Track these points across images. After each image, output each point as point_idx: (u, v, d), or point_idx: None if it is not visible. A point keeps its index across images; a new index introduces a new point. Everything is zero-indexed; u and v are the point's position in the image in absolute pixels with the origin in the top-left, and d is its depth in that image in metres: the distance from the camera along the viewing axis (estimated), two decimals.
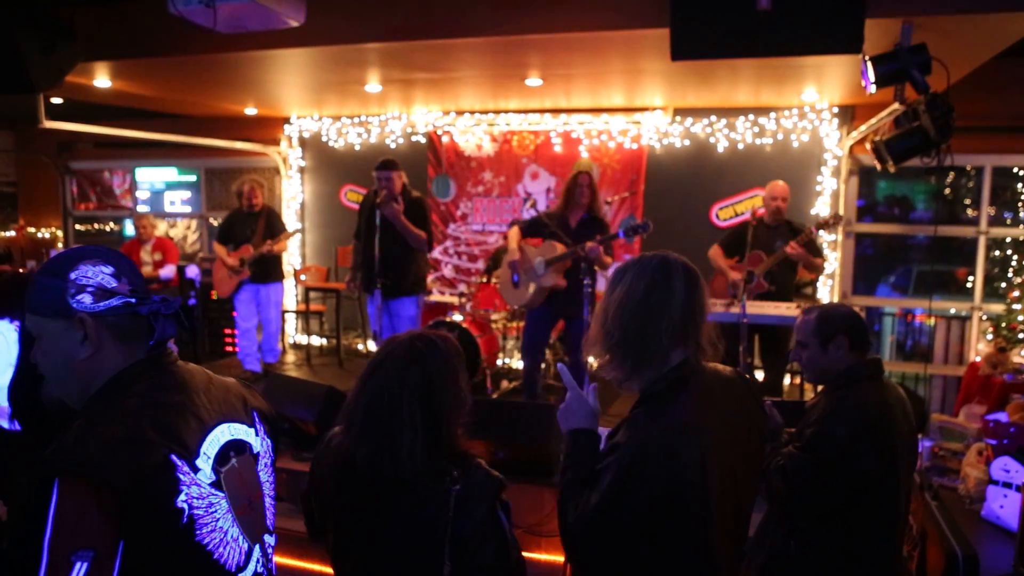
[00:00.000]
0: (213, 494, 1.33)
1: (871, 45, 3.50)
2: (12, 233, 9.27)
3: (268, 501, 1.53)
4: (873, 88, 3.76)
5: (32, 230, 9.40)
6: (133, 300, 1.35)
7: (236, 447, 1.44)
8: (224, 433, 1.41)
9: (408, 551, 1.72)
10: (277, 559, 1.55)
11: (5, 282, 2.21)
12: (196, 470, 1.31)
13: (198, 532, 1.29)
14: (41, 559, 1.15)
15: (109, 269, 1.36)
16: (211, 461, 1.35)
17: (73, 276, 1.32)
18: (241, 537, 1.39)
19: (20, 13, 4.11)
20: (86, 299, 1.31)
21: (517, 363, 6.54)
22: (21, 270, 4.78)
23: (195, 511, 1.29)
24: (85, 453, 1.21)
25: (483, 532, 1.71)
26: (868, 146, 4.28)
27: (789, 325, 5.26)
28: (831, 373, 2.46)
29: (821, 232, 5.48)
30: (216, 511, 1.33)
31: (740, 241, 5.36)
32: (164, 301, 1.39)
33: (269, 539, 1.52)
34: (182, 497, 1.27)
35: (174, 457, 1.28)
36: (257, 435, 1.52)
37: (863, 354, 2.43)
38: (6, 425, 2.01)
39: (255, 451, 1.50)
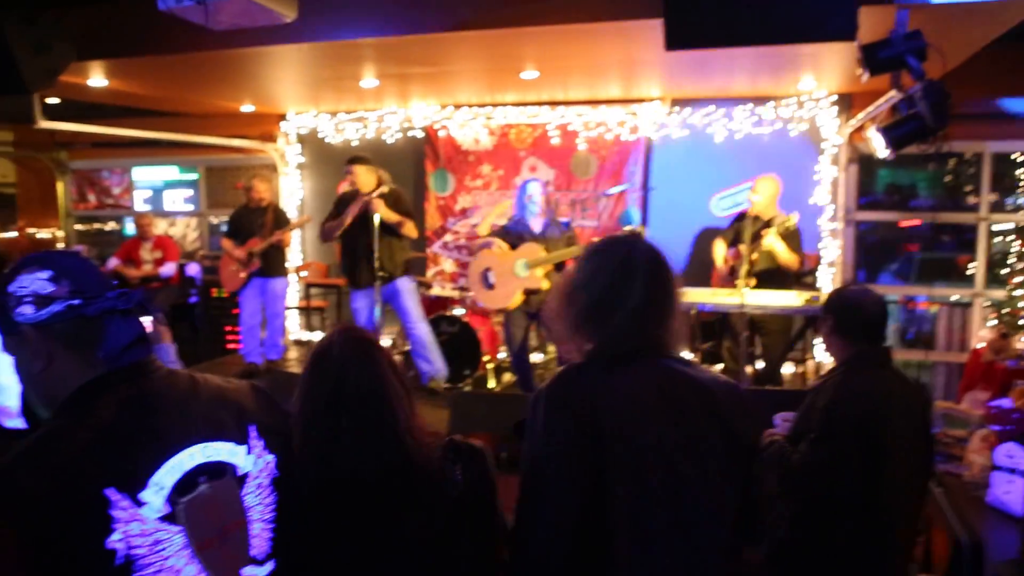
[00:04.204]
0: (162, 529, 1.21)
1: (866, 32, 3.47)
2: (14, 234, 9.26)
3: (259, 527, 1.38)
4: (867, 76, 3.73)
5: (33, 231, 9.39)
6: (77, 302, 1.25)
7: (211, 470, 1.30)
8: (195, 456, 1.29)
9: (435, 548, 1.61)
10: None
11: None
12: (140, 504, 1.20)
13: (137, 574, 1.18)
14: None
15: (45, 274, 1.27)
16: (166, 491, 1.23)
17: (11, 289, 1.26)
18: (203, 575, 1.27)
19: (11, 13, 4.10)
20: (27, 310, 1.25)
21: None
22: None
23: (134, 551, 1.17)
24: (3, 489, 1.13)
25: (495, 523, 1.67)
26: (866, 134, 4.26)
27: (788, 315, 5.30)
28: (832, 353, 2.40)
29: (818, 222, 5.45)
30: (165, 548, 1.21)
31: (735, 234, 5.51)
32: (122, 296, 1.30)
33: (255, 570, 1.37)
34: (116, 536, 1.16)
35: (110, 492, 1.16)
36: (249, 452, 1.38)
37: (860, 342, 2.35)
38: (20, 424, 2.00)
39: (241, 472, 1.36)
